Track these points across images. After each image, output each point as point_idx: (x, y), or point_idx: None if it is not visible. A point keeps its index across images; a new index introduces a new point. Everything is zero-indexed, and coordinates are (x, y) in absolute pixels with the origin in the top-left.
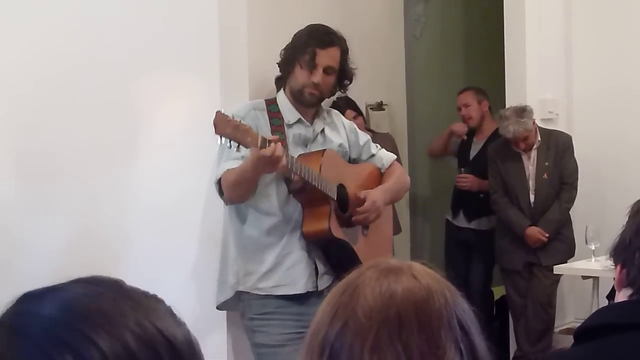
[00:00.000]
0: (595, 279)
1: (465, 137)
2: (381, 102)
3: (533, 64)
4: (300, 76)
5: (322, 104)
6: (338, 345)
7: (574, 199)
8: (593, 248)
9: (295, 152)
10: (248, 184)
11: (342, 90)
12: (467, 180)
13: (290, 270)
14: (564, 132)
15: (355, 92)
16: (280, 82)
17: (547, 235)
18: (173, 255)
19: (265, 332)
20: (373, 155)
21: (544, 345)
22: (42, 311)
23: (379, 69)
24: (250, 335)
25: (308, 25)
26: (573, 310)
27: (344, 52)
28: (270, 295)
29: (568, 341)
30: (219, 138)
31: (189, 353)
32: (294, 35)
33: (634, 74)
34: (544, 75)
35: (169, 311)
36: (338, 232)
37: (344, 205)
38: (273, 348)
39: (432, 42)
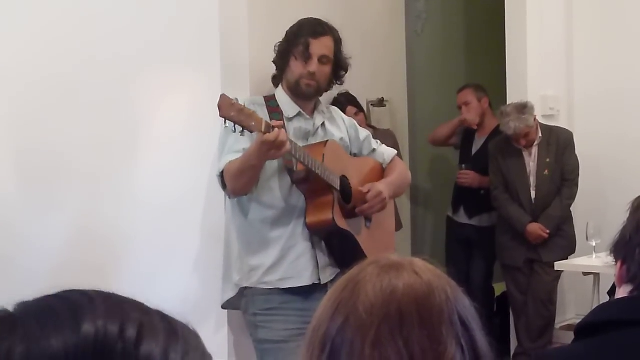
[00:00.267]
0: (596, 275)
1: (476, 128)
2: (382, 98)
3: (534, 60)
4: (295, 68)
5: (322, 100)
6: (339, 340)
7: (575, 196)
8: (594, 245)
9: None
10: (252, 172)
11: (338, 82)
12: (468, 177)
13: (296, 262)
14: (565, 129)
15: (357, 88)
16: (277, 80)
17: (548, 231)
18: (174, 252)
19: (269, 327)
20: (374, 150)
21: (545, 342)
22: None
23: (380, 66)
24: (253, 331)
25: (299, 20)
26: (574, 306)
27: (337, 41)
28: (275, 289)
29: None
30: (223, 121)
31: None
32: (287, 31)
33: (635, 72)
34: (545, 72)
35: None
36: (342, 223)
37: (347, 197)
38: (277, 344)
39: (433, 39)
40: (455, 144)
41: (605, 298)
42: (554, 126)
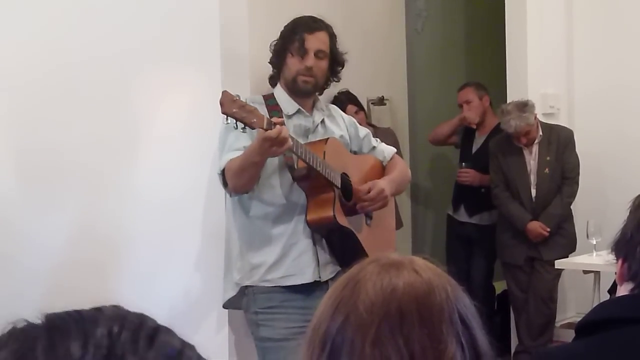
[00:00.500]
0: (597, 273)
1: (476, 126)
2: (382, 97)
3: (534, 58)
4: (292, 64)
5: (322, 98)
6: (339, 339)
7: (576, 194)
8: (594, 243)
9: None
10: (254, 169)
11: (335, 78)
12: (468, 175)
13: (297, 260)
14: (565, 127)
15: (357, 86)
16: (274, 80)
17: (548, 229)
18: (174, 251)
19: (271, 326)
20: (374, 148)
21: (545, 340)
22: None
23: (381, 64)
24: (254, 329)
25: (293, 18)
26: (574, 304)
27: (333, 37)
28: (277, 287)
29: (569, 335)
30: (225, 118)
31: None
32: (282, 30)
33: (636, 70)
34: (545, 70)
35: None
36: (343, 220)
37: (348, 194)
38: (278, 342)
39: (433, 37)
40: (455, 142)
41: (605, 296)
42: (555, 124)
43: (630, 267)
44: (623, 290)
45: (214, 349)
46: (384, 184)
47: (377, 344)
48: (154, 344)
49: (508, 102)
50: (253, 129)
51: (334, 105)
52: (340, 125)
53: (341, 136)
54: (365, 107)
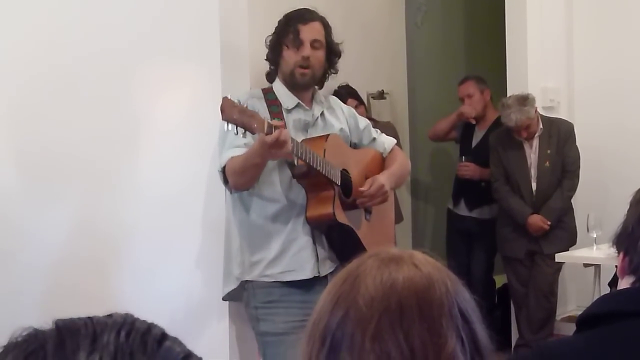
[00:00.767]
0: (597, 266)
1: (474, 121)
2: (382, 90)
3: (534, 52)
4: (289, 57)
5: (321, 92)
6: (339, 334)
7: (576, 187)
8: (594, 236)
9: (296, 137)
10: (255, 170)
11: (332, 70)
12: (469, 169)
13: (297, 255)
14: (565, 120)
15: (357, 80)
16: (271, 76)
17: (549, 223)
18: (174, 246)
19: (270, 320)
20: (374, 139)
21: (546, 333)
22: None
23: (380, 58)
24: (254, 324)
25: (286, 13)
26: (575, 298)
27: (327, 27)
28: (276, 282)
29: (570, 329)
30: (225, 124)
31: None
32: (276, 25)
33: (635, 63)
34: (545, 63)
35: None
36: (342, 217)
37: (348, 190)
38: (278, 336)
39: (433, 31)
40: (454, 138)
41: (606, 289)
42: (555, 118)
43: (632, 260)
44: (624, 283)
45: (215, 343)
46: (383, 179)
47: (377, 338)
48: (162, 347)
49: (508, 95)
50: (253, 133)
51: (333, 97)
52: (340, 117)
53: (341, 129)
54: (365, 101)
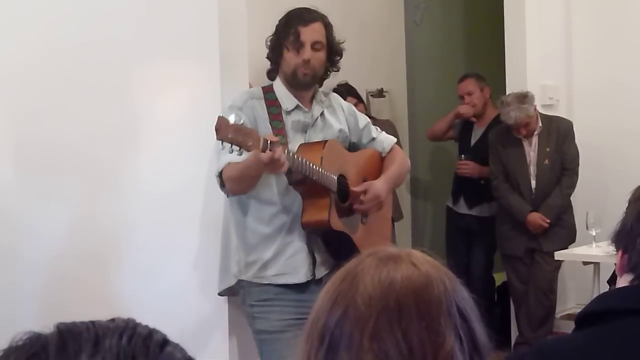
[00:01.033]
0: (596, 264)
1: (475, 119)
2: (382, 89)
3: (533, 49)
4: (289, 59)
5: (321, 90)
6: (338, 332)
7: (575, 185)
8: (594, 234)
9: (295, 139)
10: (251, 180)
11: (334, 68)
12: (468, 167)
13: (291, 259)
14: (565, 118)
15: (356, 79)
16: (272, 74)
17: (548, 221)
18: (174, 243)
19: (265, 318)
20: (374, 138)
21: (545, 331)
22: None
23: (380, 56)
24: (250, 322)
25: (287, 11)
26: (574, 295)
27: (328, 26)
28: (271, 283)
29: (569, 327)
30: (220, 142)
31: None
32: (276, 24)
33: (634, 62)
34: (544, 61)
35: None
36: (337, 224)
37: (344, 196)
38: (273, 334)
39: (432, 29)
40: (453, 137)
41: (605, 287)
42: (554, 116)
43: (631, 258)
44: (623, 281)
45: (214, 339)
46: (379, 185)
47: (375, 337)
48: (163, 352)
49: (507, 93)
50: (249, 151)
51: (334, 94)
52: (339, 117)
53: (340, 129)
54: (365, 100)
